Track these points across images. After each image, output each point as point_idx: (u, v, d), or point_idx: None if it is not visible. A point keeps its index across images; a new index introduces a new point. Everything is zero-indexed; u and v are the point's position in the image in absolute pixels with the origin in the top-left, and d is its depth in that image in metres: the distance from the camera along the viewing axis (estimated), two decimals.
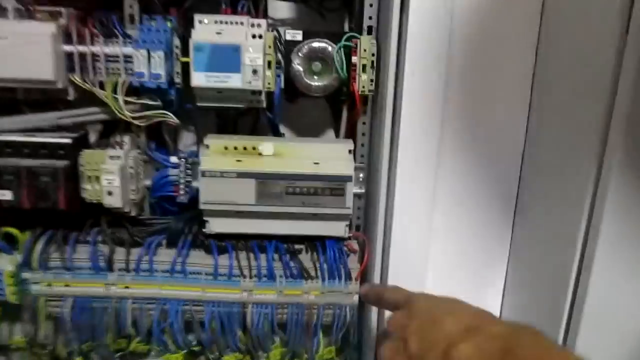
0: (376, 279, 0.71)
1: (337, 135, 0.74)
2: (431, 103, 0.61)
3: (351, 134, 0.73)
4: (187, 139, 0.76)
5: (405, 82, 0.61)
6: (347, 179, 0.67)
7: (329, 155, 0.68)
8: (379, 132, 0.67)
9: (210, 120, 0.74)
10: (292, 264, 0.72)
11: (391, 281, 0.67)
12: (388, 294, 0.57)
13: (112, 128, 0.71)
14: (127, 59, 0.64)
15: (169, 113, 0.66)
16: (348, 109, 0.71)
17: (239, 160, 0.67)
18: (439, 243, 0.70)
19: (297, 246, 0.73)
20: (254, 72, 0.61)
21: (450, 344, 0.41)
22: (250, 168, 0.67)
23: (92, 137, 0.72)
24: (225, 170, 0.66)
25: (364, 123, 0.73)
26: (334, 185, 0.67)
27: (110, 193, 0.66)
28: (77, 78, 0.64)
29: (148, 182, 0.72)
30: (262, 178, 0.67)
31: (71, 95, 0.65)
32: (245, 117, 0.74)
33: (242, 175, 0.67)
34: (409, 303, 0.51)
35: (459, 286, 0.72)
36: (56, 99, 0.66)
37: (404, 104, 0.61)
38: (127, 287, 0.72)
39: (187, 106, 0.70)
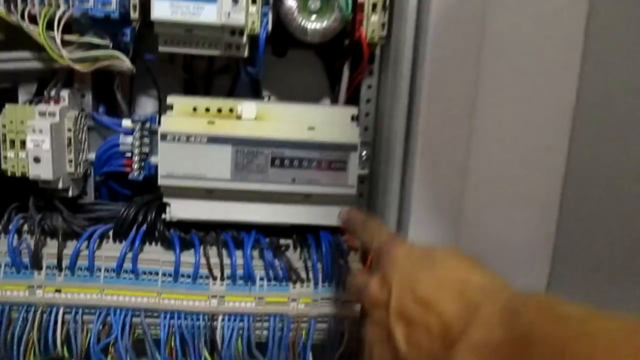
0: None
1: (334, 103, 0.59)
2: (464, 58, 0.47)
3: (353, 101, 0.58)
4: (145, 104, 0.60)
5: (431, 28, 0.47)
6: (351, 148, 0.52)
7: (326, 122, 0.53)
8: (391, 97, 0.53)
9: (176, 79, 0.58)
10: (276, 262, 0.55)
11: None
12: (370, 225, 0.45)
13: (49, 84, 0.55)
14: None
15: (121, 54, 0.50)
16: (350, 68, 0.56)
17: (211, 122, 0.52)
18: (468, 242, 0.54)
19: (283, 241, 0.57)
20: (234, 0, 0.47)
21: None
22: (226, 131, 0.51)
23: (23, 97, 0.56)
24: (192, 132, 0.51)
25: (369, 87, 0.58)
26: (334, 157, 0.52)
27: (37, 160, 0.50)
28: None
29: (92, 156, 0.56)
30: (240, 144, 0.51)
31: None
32: (220, 77, 0.58)
33: (214, 140, 0.51)
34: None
35: None
36: None
37: (428, 60, 0.47)
38: (57, 291, 0.55)
39: (147, 57, 0.55)
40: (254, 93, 0.58)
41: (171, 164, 0.51)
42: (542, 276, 0.54)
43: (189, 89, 0.59)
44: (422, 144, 0.49)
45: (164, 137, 0.51)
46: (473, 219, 0.53)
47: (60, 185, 0.52)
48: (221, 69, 0.58)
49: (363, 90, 0.58)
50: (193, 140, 0.51)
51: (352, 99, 0.58)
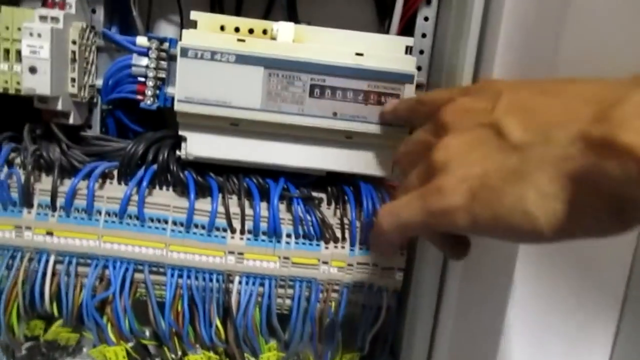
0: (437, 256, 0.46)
1: None
2: None
3: (405, 35, 0.49)
4: (165, 28, 0.52)
5: None
6: (407, 78, 0.44)
7: (376, 50, 0.45)
8: (455, 34, 0.44)
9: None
10: (307, 217, 0.47)
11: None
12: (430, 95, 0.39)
13: None
14: None
15: None
16: None
17: (241, 40, 0.43)
18: None
19: (317, 193, 0.48)
20: None
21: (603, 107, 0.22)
22: (259, 50, 0.43)
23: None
24: (219, 49, 0.42)
25: (425, 19, 0.50)
26: (385, 88, 0.44)
27: (32, 70, 0.42)
28: None
29: (100, 83, 0.48)
30: (275, 67, 0.43)
31: None
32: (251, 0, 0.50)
33: (244, 59, 0.43)
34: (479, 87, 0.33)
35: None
36: None
37: None
38: (49, 234, 0.46)
39: None
40: (291, 18, 0.49)
41: (191, 85, 0.43)
42: None
43: (216, 9, 0.50)
44: None
45: (184, 52, 0.42)
46: None
47: (59, 106, 0.44)
48: None
49: (418, 23, 0.50)
50: (219, 59, 0.43)
51: (405, 33, 0.50)
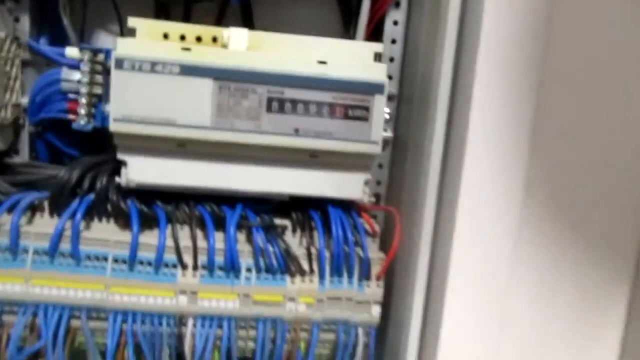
0: (417, 286, 0.41)
1: None
2: None
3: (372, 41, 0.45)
4: (102, 38, 0.46)
5: None
6: (376, 89, 0.39)
7: (341, 57, 0.40)
8: (429, 37, 0.40)
9: (144, 4, 0.45)
10: (269, 247, 0.41)
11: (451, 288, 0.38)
12: None
13: None
14: None
15: None
16: None
17: (186, 49, 0.38)
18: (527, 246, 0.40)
19: (279, 220, 0.43)
20: None
21: None
22: (207, 60, 0.37)
23: None
24: (160, 59, 0.37)
25: (395, 23, 0.45)
26: (353, 100, 0.39)
27: None
28: None
29: (26, 101, 0.42)
30: (225, 78, 0.37)
31: None
32: (202, 5, 0.45)
33: (190, 70, 0.37)
34: None
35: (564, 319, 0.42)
36: None
37: None
38: None
39: None
40: (246, 26, 0.44)
41: (129, 102, 0.37)
42: None
43: (162, 17, 0.45)
44: (477, 101, 0.35)
45: (119, 63, 0.37)
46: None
47: None
48: None
49: (387, 27, 0.45)
50: (161, 70, 0.37)
51: (372, 39, 0.45)
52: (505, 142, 0.37)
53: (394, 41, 0.45)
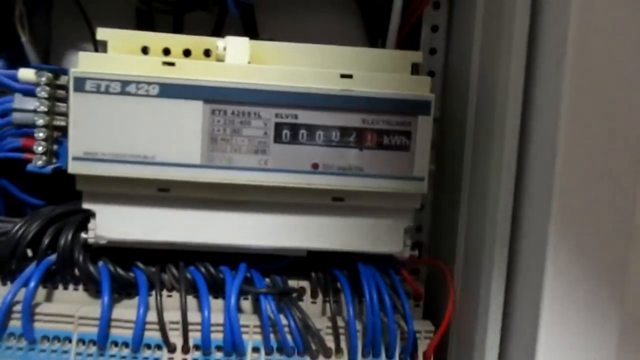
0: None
1: None
2: None
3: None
4: (71, 56, 0.38)
5: None
6: (421, 107, 0.29)
7: (370, 70, 0.30)
8: (489, 43, 0.30)
9: (124, 15, 0.36)
10: (283, 319, 0.31)
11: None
12: None
13: None
14: None
15: None
16: None
17: (168, 64, 0.29)
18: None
19: (294, 282, 0.33)
20: None
21: None
22: (194, 76, 0.28)
23: None
24: (133, 77, 0.28)
25: (434, 29, 0.36)
26: (389, 124, 0.29)
27: None
28: None
29: None
30: (220, 99, 0.28)
31: None
32: (196, 15, 0.36)
33: (173, 91, 0.28)
34: None
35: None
36: None
37: None
38: None
39: None
40: (248, 36, 0.35)
41: (93, 134, 0.28)
42: None
43: (145, 29, 0.36)
44: (565, 125, 0.25)
45: (80, 84, 0.28)
46: None
47: None
48: (195, 2, 0.36)
49: (425, 34, 0.36)
50: (134, 92, 0.28)
51: (404, 48, 0.35)
52: (606, 181, 0.26)
53: (433, 51, 0.36)
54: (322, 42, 0.33)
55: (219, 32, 0.36)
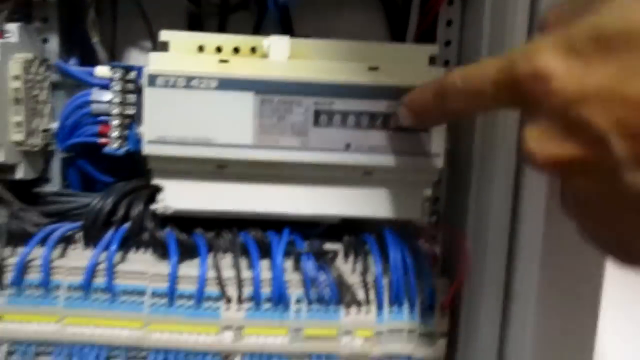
0: (491, 317, 0.36)
1: None
2: None
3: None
4: (134, 55, 0.44)
5: None
6: None
7: (393, 62, 0.36)
8: (493, 38, 0.35)
9: (177, 17, 0.42)
10: (320, 276, 0.37)
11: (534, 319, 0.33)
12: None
13: None
14: None
15: None
16: None
17: (224, 61, 0.34)
18: None
19: (330, 245, 0.39)
20: None
21: None
22: (247, 72, 0.34)
23: None
24: (196, 73, 0.34)
25: (448, 23, 0.41)
26: None
27: None
28: None
29: (55, 125, 0.39)
30: (268, 91, 0.34)
31: None
32: (238, 15, 0.42)
33: (229, 84, 0.34)
34: None
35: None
36: None
37: None
38: None
39: None
40: (286, 34, 0.41)
41: (163, 122, 0.34)
42: None
43: (195, 29, 0.42)
44: None
45: (152, 80, 0.34)
46: None
47: (1, 159, 0.35)
48: (239, 3, 0.41)
49: (440, 29, 0.41)
50: (197, 85, 0.34)
51: (422, 42, 0.41)
52: None
53: (447, 43, 0.41)
54: (350, 35, 0.38)
55: (258, 30, 0.42)
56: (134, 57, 0.43)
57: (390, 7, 0.42)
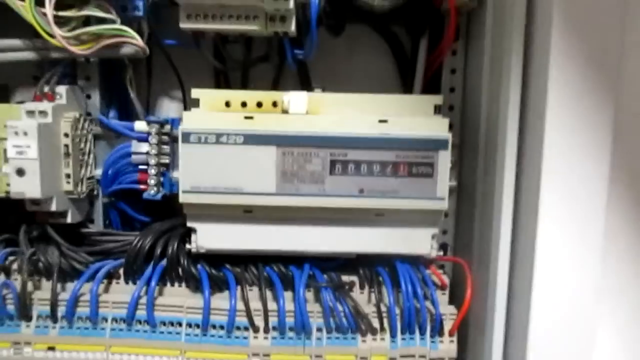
0: (495, 339, 0.39)
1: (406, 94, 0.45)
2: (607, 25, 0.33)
3: (430, 92, 0.44)
4: (166, 106, 0.48)
5: None
6: (440, 144, 0.38)
7: (402, 113, 0.39)
8: (493, 83, 0.39)
9: (205, 71, 0.46)
10: (339, 306, 0.41)
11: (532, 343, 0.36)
12: None
13: None
14: None
15: (130, 30, 0.38)
16: (428, 44, 0.43)
17: (249, 118, 0.38)
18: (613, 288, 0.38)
19: (346, 277, 0.42)
20: None
21: None
22: (269, 127, 0.38)
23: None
24: (224, 130, 0.38)
25: (453, 71, 0.44)
26: (416, 157, 0.38)
27: (20, 172, 0.37)
28: None
29: (99, 172, 0.44)
30: (288, 144, 0.38)
31: None
32: (259, 68, 0.46)
33: (254, 139, 0.38)
34: None
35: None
36: None
37: (556, 23, 0.33)
38: (51, 349, 0.41)
39: (167, 42, 0.43)
40: (303, 85, 0.45)
41: (196, 173, 0.38)
42: None
43: (221, 82, 0.46)
44: (548, 147, 0.34)
45: (186, 137, 0.38)
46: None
47: (53, 207, 0.40)
48: (261, 57, 0.45)
49: (445, 76, 0.45)
50: (225, 141, 0.38)
51: (430, 89, 0.44)
52: (582, 190, 0.35)
53: (452, 89, 0.45)
54: (363, 83, 0.42)
55: (278, 81, 0.46)
56: (166, 106, 0.48)
57: (399, 56, 0.46)
